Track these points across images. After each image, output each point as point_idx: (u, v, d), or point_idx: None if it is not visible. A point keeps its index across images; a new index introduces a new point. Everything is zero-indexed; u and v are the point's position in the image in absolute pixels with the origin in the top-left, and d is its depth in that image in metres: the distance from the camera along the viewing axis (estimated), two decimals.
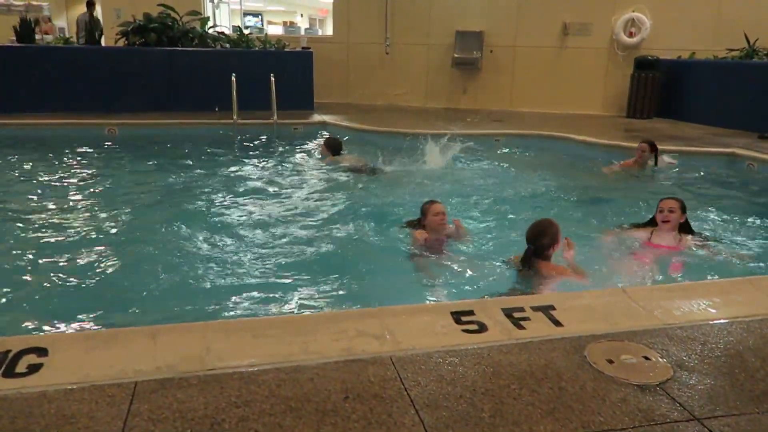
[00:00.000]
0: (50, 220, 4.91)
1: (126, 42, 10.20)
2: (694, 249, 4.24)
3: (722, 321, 2.59)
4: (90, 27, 10.78)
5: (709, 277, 3.83)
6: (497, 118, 10.69)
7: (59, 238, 4.48)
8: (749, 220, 5.29)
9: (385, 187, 6.26)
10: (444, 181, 6.60)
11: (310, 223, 4.97)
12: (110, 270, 3.88)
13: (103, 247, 4.28)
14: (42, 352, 2.15)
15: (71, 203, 5.44)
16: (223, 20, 14.21)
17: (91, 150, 7.78)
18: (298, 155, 7.93)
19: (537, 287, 3.54)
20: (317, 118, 9.88)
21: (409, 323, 2.47)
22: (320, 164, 7.25)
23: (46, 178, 6.32)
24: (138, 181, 6.42)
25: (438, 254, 4.15)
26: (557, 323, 2.50)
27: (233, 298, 3.50)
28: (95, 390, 1.95)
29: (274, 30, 19.17)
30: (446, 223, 4.28)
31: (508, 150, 8.60)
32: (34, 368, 2.05)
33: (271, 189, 6.11)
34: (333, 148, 7.25)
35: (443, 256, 4.15)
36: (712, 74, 10.49)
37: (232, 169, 7.02)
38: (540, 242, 3.60)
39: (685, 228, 4.34)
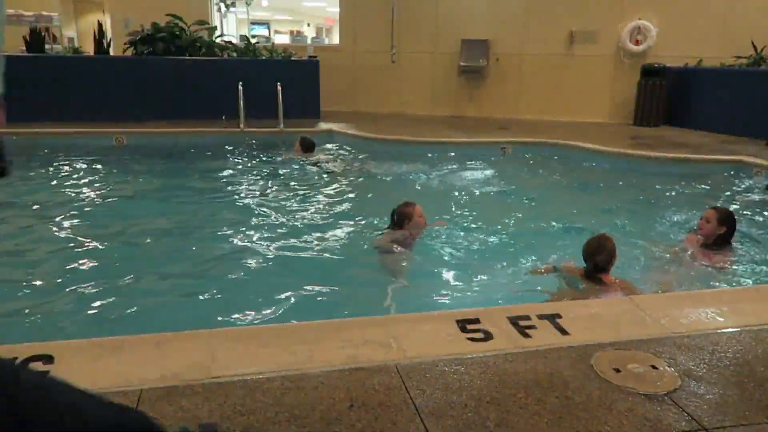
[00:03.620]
0: (58, 228, 4.94)
1: (134, 51, 10.28)
2: (717, 264, 4.18)
3: (731, 330, 2.57)
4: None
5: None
6: (503, 126, 10.69)
7: (66, 246, 4.50)
8: (756, 227, 5.25)
9: (394, 195, 6.26)
10: (451, 189, 6.60)
11: (316, 231, 4.97)
12: (116, 278, 3.89)
13: (109, 255, 4.30)
14: (48, 359, 2.16)
15: (78, 211, 5.47)
16: (230, 29, 14.30)
17: (99, 158, 7.83)
18: (303, 164, 7.95)
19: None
20: (324, 126, 9.91)
21: (414, 331, 2.46)
22: (328, 171, 7.30)
23: (54, 187, 6.36)
24: (145, 190, 6.45)
25: (408, 252, 4.30)
26: (563, 332, 2.48)
27: (238, 306, 3.50)
28: None
29: (281, 39, 19.30)
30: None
31: (513, 157, 8.59)
32: None
33: (276, 197, 6.12)
34: (306, 146, 8.01)
35: (412, 252, 4.32)
36: (719, 82, 10.45)
37: (239, 177, 7.05)
38: (600, 260, 3.54)
39: (723, 241, 4.27)
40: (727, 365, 2.27)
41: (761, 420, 1.94)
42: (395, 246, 4.27)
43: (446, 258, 4.39)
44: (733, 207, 5.99)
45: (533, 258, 4.33)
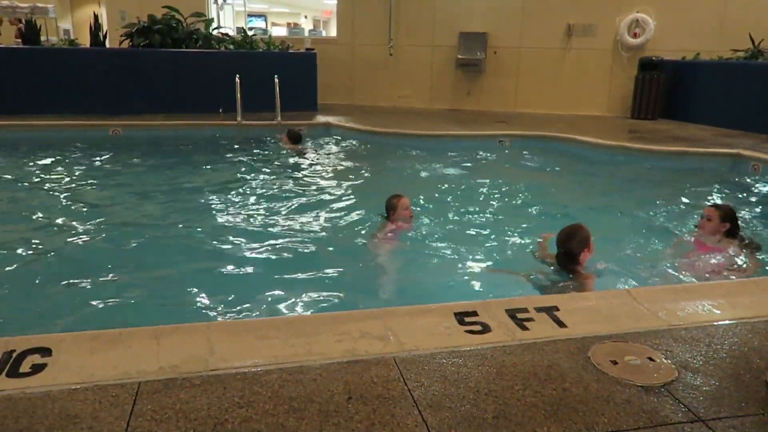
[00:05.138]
0: (54, 221, 4.92)
1: (130, 43, 10.23)
2: (731, 253, 4.10)
3: (727, 322, 2.58)
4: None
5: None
6: (501, 120, 10.68)
7: (63, 239, 4.50)
8: (753, 221, 5.26)
9: (391, 188, 6.26)
10: (448, 182, 6.60)
11: (314, 223, 4.98)
12: (114, 270, 3.89)
13: (106, 248, 4.29)
14: (46, 352, 2.15)
15: (75, 204, 5.46)
16: (227, 22, 14.22)
17: (95, 151, 7.81)
18: (301, 157, 7.94)
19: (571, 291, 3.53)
20: (321, 119, 9.89)
21: (413, 324, 2.47)
22: (325, 165, 7.30)
23: (51, 180, 6.34)
24: (142, 183, 6.43)
25: (394, 244, 4.41)
26: (561, 324, 2.49)
27: (237, 299, 3.50)
28: (99, 390, 1.96)
29: (278, 31, 19.17)
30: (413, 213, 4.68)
31: (511, 151, 8.58)
32: (37, 368, 2.06)
33: (274, 190, 6.12)
34: (293, 138, 8.22)
35: (399, 244, 4.43)
36: (716, 75, 10.45)
37: (236, 170, 7.03)
38: (570, 246, 3.56)
39: (730, 234, 4.16)
40: (723, 357, 2.28)
41: (757, 411, 1.95)
42: (384, 239, 4.34)
43: (444, 250, 4.39)
44: (731, 200, 6.02)
45: (531, 250, 4.33)
